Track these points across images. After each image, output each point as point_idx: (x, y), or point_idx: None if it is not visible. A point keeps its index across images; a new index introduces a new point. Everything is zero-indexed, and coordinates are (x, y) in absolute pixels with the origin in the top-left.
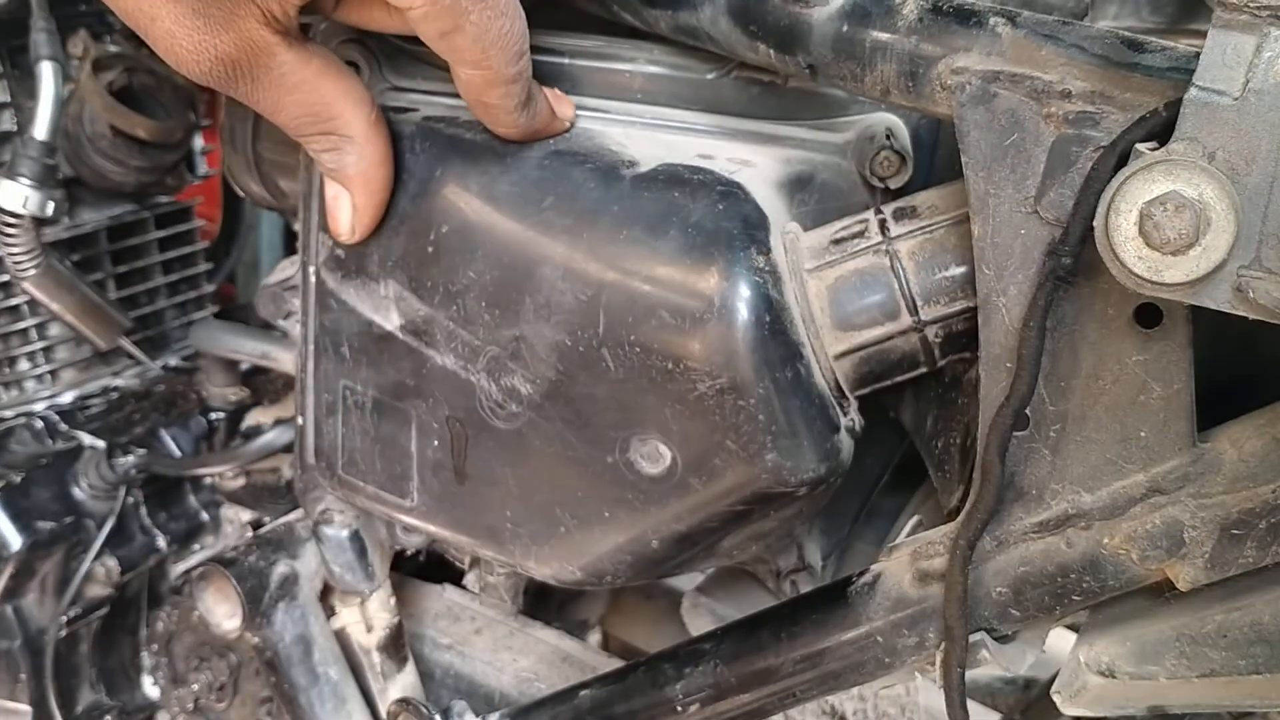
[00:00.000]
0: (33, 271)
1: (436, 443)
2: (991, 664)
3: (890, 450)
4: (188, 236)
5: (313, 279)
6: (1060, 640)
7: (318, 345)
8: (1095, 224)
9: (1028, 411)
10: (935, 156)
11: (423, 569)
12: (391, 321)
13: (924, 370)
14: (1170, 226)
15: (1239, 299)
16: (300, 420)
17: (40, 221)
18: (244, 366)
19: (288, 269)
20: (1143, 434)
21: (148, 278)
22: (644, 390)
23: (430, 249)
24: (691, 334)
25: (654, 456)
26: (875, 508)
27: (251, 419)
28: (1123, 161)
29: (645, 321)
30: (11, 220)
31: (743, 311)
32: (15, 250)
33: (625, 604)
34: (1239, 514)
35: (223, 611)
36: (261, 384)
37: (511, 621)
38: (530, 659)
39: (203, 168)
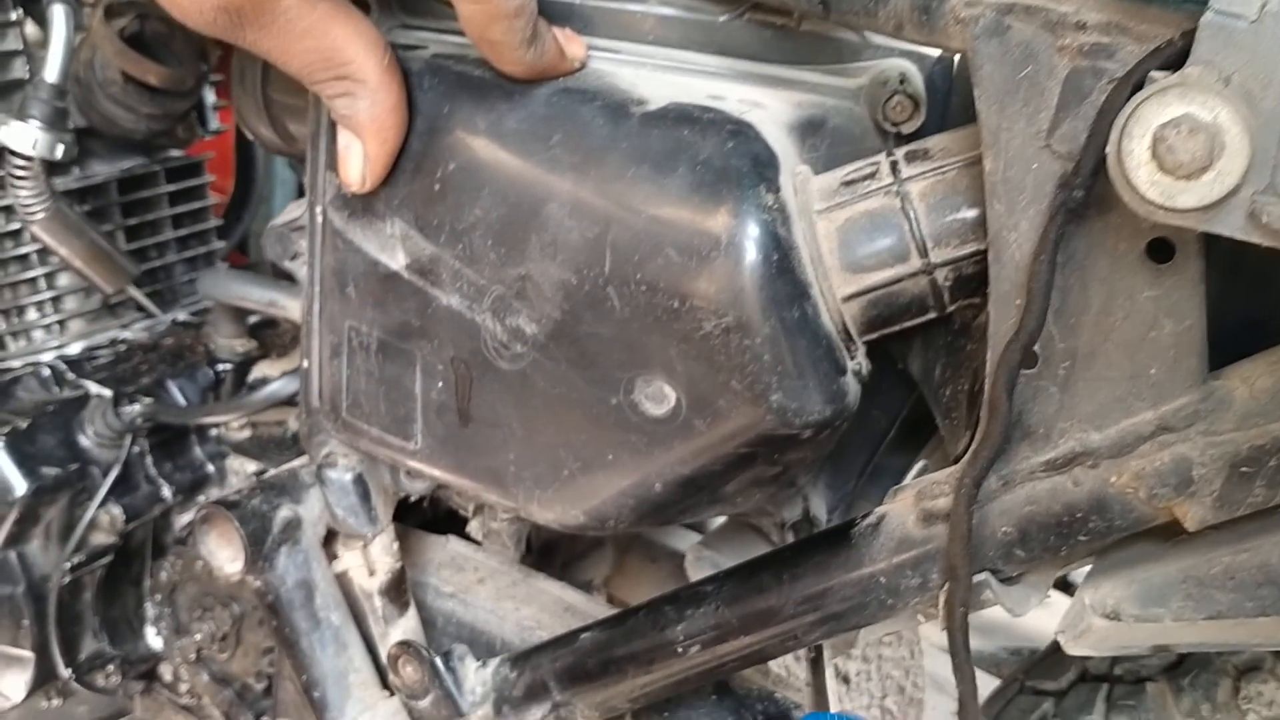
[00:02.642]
0: (41, 215)
1: (441, 384)
2: (995, 605)
3: (898, 403)
4: (198, 192)
5: (320, 219)
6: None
7: (324, 286)
8: (1108, 150)
9: (1036, 349)
10: (949, 104)
11: (428, 524)
12: (397, 261)
13: (933, 315)
14: (1184, 150)
15: (1252, 225)
16: (305, 363)
17: (50, 165)
18: (252, 320)
19: (295, 210)
20: (1153, 371)
21: (157, 231)
22: (649, 329)
23: (437, 187)
24: (698, 271)
25: (658, 397)
26: (882, 465)
27: (258, 371)
28: (1138, 92)
29: (652, 259)
30: (21, 162)
31: (750, 249)
32: (24, 193)
33: (630, 565)
34: (1249, 451)
35: (225, 555)
36: (269, 337)
37: (514, 572)
38: (533, 608)
39: (214, 122)
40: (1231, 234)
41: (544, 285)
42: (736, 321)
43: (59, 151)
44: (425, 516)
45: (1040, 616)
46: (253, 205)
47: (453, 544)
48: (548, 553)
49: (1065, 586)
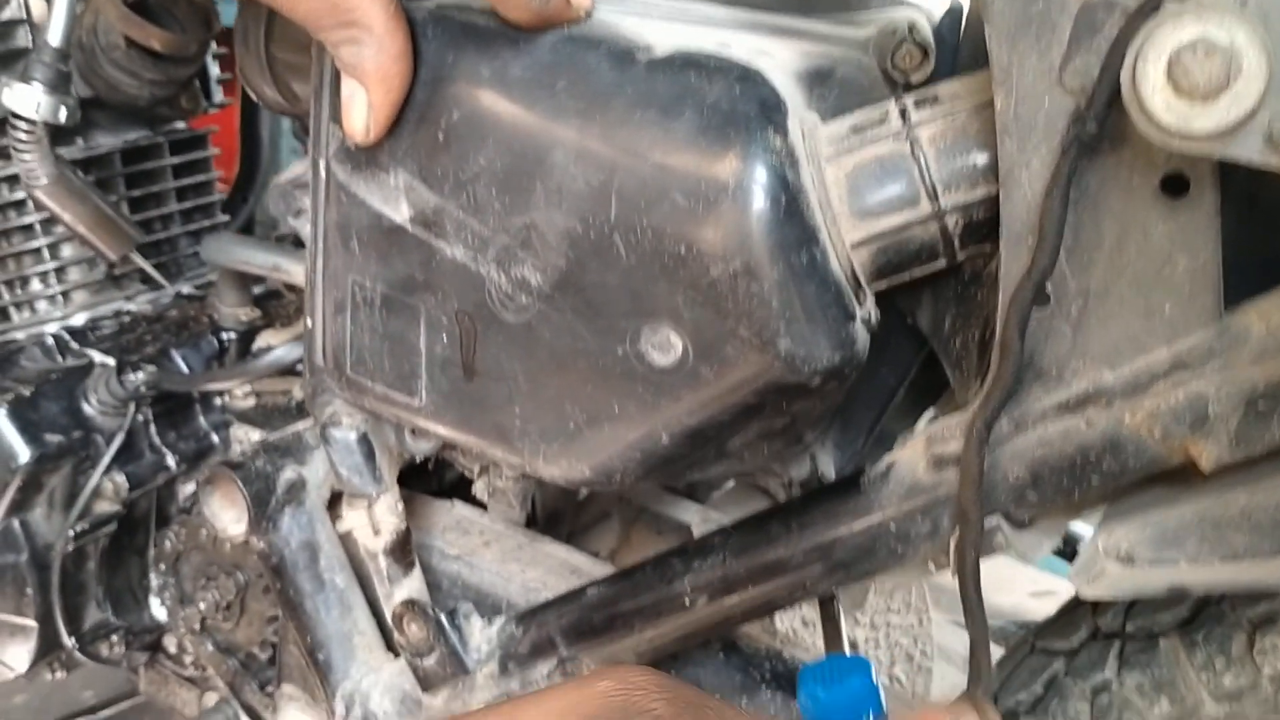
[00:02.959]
0: (44, 180)
1: (445, 338)
2: (1007, 550)
3: (907, 361)
4: (203, 165)
5: (323, 173)
6: None
7: (327, 241)
8: (1122, 76)
9: (1048, 287)
10: (958, 55)
11: (433, 493)
12: (401, 213)
13: (943, 263)
14: (1200, 72)
15: (1271, 149)
16: (309, 322)
17: (54, 131)
18: (257, 291)
19: (299, 168)
20: (1167, 308)
21: (162, 204)
22: (656, 277)
23: (441, 136)
24: (705, 216)
25: (665, 347)
26: (890, 430)
27: (263, 340)
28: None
29: (658, 204)
30: (24, 126)
31: (758, 192)
32: (28, 157)
33: (636, 538)
34: (1266, 387)
35: (229, 517)
36: (274, 308)
37: (520, 536)
38: (538, 570)
39: (218, 95)
40: (1249, 159)
41: (549, 234)
42: (744, 266)
43: (62, 115)
44: (431, 486)
45: (1048, 603)
46: (257, 189)
47: (458, 508)
48: (553, 524)
49: (1071, 557)
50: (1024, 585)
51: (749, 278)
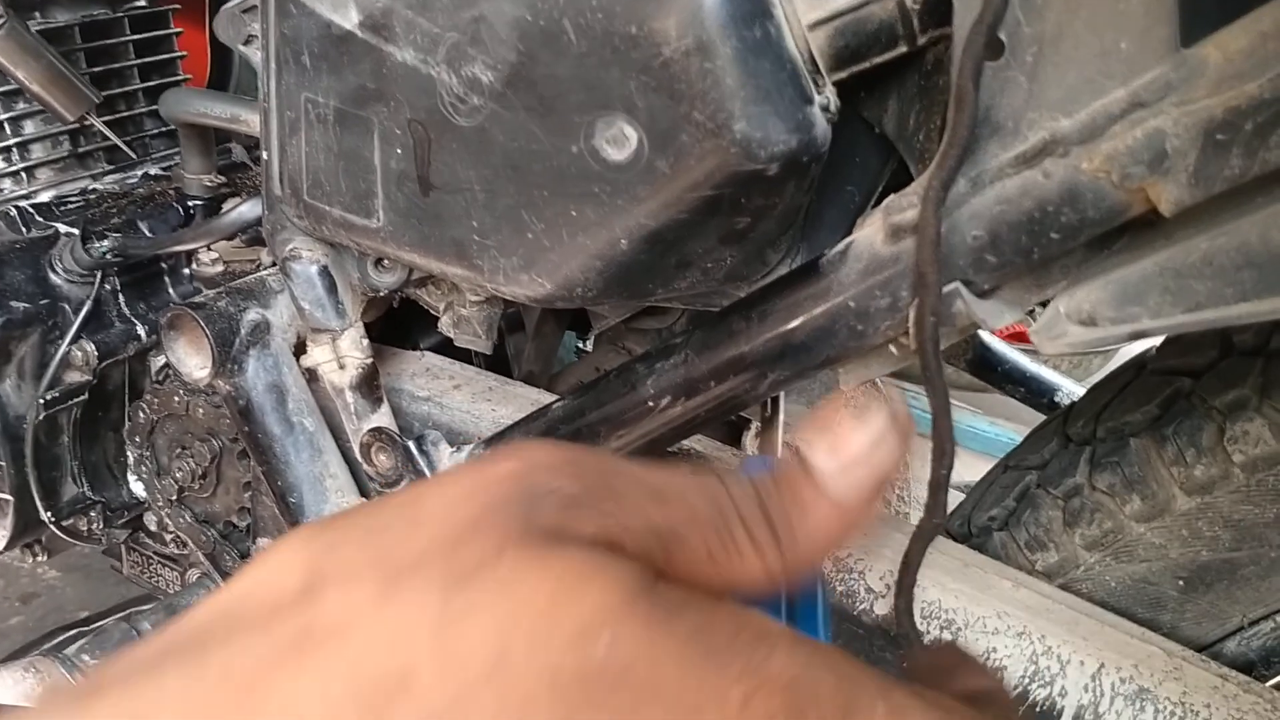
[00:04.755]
0: None
1: (399, 151)
2: (968, 320)
3: (873, 177)
4: (165, 44)
5: None
6: None
7: (279, 59)
8: None
9: (1002, 37)
10: None
11: None
12: (350, 19)
13: (904, 48)
14: None
15: None
16: (265, 154)
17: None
18: (221, 162)
19: None
20: (1123, 45)
21: (125, 81)
22: (607, 62)
23: None
24: None
25: (619, 140)
26: None
27: (228, 208)
28: None
29: None
30: None
31: None
32: None
33: None
34: (1224, 115)
35: (194, 362)
36: (240, 180)
37: (490, 379)
38: (509, 409)
39: None
40: None
41: (498, 25)
42: (696, 43)
43: None
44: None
45: None
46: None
47: (428, 357)
48: None
49: None
50: None
51: (702, 55)
